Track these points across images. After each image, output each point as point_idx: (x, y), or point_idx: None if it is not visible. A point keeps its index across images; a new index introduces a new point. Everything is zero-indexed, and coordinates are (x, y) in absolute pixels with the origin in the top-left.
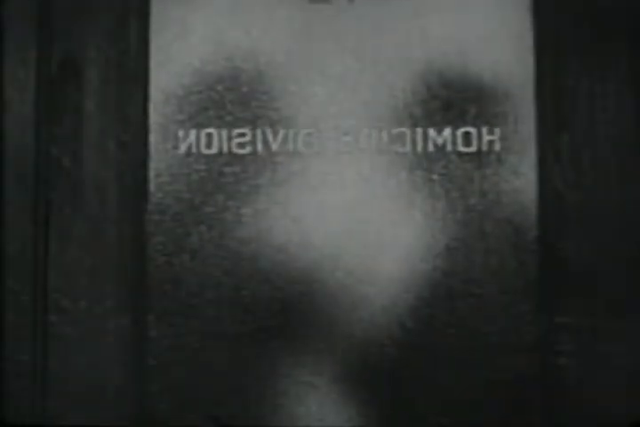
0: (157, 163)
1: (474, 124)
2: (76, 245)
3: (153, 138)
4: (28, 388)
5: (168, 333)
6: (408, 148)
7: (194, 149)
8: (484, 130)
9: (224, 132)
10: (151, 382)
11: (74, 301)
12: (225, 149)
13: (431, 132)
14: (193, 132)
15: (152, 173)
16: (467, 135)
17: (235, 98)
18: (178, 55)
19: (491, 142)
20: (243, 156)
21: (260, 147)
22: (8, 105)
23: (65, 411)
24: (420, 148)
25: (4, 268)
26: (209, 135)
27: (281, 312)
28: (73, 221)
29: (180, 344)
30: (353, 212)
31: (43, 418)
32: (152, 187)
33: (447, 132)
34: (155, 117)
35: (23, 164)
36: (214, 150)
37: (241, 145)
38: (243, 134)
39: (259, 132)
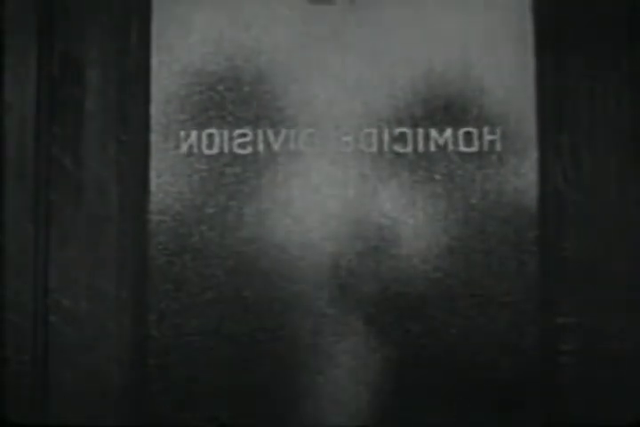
0: (158, 163)
1: (475, 125)
2: (76, 245)
3: (154, 138)
4: (28, 388)
5: (169, 332)
6: (409, 148)
7: (195, 150)
8: (486, 130)
9: (225, 133)
10: (152, 382)
11: (75, 301)
12: (226, 149)
13: (432, 132)
14: (194, 133)
15: (153, 174)
16: (468, 135)
17: (236, 98)
18: (179, 55)
19: (492, 142)
20: (244, 156)
21: (261, 147)
22: (8, 105)
23: (65, 411)
24: (421, 148)
25: (5, 268)
26: (210, 135)
27: (282, 312)
28: (74, 220)
29: (182, 344)
30: (354, 212)
31: (43, 418)
32: (153, 187)
33: (448, 132)
34: (156, 117)
35: (24, 163)
36: (215, 150)
37: (242, 145)
38: (244, 135)
39: (260, 132)
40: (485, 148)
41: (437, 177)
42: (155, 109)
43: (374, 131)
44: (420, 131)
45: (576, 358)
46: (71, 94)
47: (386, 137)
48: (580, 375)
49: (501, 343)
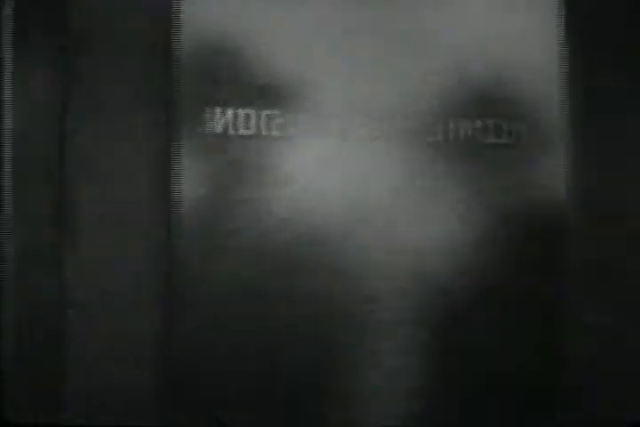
0: (186, 144)
1: (503, 118)
2: (99, 235)
3: (181, 119)
4: (45, 387)
5: (195, 328)
6: (437, 138)
7: (225, 131)
8: (514, 123)
9: (255, 113)
10: (177, 382)
11: (96, 295)
12: (258, 131)
13: (460, 123)
14: (223, 113)
15: (181, 156)
16: (496, 128)
17: (267, 79)
18: (209, 32)
19: (520, 136)
20: (274, 138)
21: (292, 130)
22: (21, 85)
23: (85, 410)
24: (449, 138)
25: (24, 262)
26: (241, 116)
27: (313, 304)
28: (97, 208)
29: (209, 342)
30: (380, 202)
31: (61, 417)
32: (180, 171)
33: (476, 124)
34: (184, 97)
35: (43, 150)
36: (248, 132)
37: (273, 127)
38: (275, 116)
39: (291, 115)
40: (513, 141)
41: (464, 168)
42: (182, 88)
43: (403, 120)
44: (449, 121)
45: (602, 357)
46: (92, 74)
47: (414, 126)
48: (604, 374)
49: (522, 342)
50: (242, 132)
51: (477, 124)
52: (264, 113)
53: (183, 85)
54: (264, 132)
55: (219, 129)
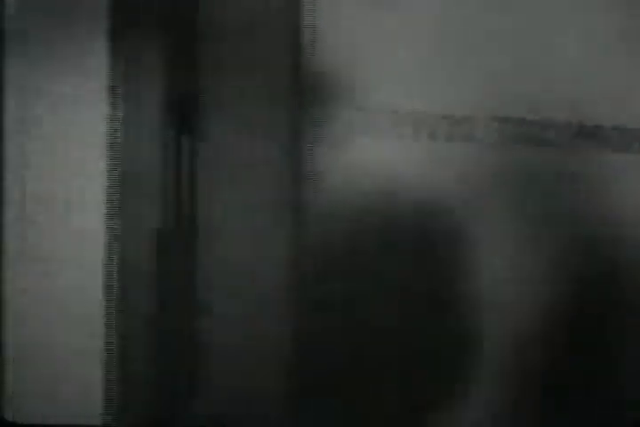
0: (313, 145)
1: (591, 122)
2: (227, 236)
3: (308, 120)
4: (178, 389)
5: (328, 338)
6: (532, 144)
7: (351, 131)
8: (601, 128)
9: (377, 115)
10: (307, 390)
11: (225, 300)
12: (382, 132)
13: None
14: (348, 114)
15: (309, 157)
16: (584, 133)
17: (390, 81)
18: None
19: (607, 141)
20: (395, 139)
21: (414, 133)
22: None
23: (214, 413)
24: (543, 145)
25: (152, 267)
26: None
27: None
28: (224, 211)
29: (342, 353)
30: (491, 205)
31: (191, 420)
32: (308, 167)
33: (562, 128)
34: (311, 100)
35: (168, 154)
36: (374, 133)
37: (395, 128)
38: (395, 118)
39: (414, 117)
40: (601, 147)
41: (550, 173)
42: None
43: (495, 123)
44: (539, 128)
45: None
46: (218, 80)
47: (509, 131)
48: None
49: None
50: (369, 133)
51: (564, 129)
52: (386, 115)
53: (310, 88)
54: (387, 133)
55: (345, 130)
